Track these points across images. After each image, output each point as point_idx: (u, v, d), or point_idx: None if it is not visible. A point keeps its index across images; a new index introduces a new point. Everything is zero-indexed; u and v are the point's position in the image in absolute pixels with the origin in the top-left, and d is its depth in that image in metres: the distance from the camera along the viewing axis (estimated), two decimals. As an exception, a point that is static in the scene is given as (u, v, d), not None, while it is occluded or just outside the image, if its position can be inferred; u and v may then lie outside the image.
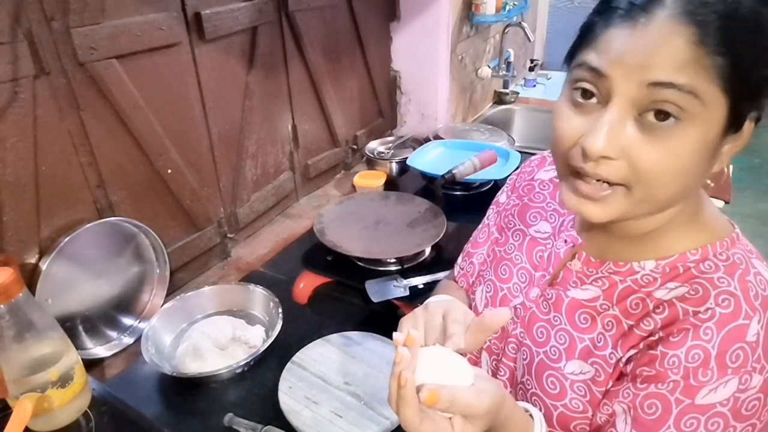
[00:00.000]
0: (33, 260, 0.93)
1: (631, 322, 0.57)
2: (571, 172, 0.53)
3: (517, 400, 0.60)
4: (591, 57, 0.48)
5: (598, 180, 0.50)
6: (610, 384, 0.58)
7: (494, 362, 0.74)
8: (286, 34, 1.42)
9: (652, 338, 0.55)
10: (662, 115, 0.46)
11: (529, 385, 0.66)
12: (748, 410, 0.50)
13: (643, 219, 0.56)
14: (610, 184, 0.50)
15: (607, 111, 0.48)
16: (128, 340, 1.10)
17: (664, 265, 0.57)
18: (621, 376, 0.57)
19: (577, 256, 0.64)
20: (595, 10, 0.51)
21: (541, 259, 0.70)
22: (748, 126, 0.50)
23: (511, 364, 0.70)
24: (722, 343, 0.50)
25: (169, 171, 1.14)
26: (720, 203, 3.24)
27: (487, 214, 0.85)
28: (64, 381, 0.77)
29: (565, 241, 0.67)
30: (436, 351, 0.52)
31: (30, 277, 0.92)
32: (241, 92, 1.32)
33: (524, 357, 0.67)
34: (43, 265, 0.92)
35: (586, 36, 0.50)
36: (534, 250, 0.71)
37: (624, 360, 0.57)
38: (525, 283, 0.70)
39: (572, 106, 0.51)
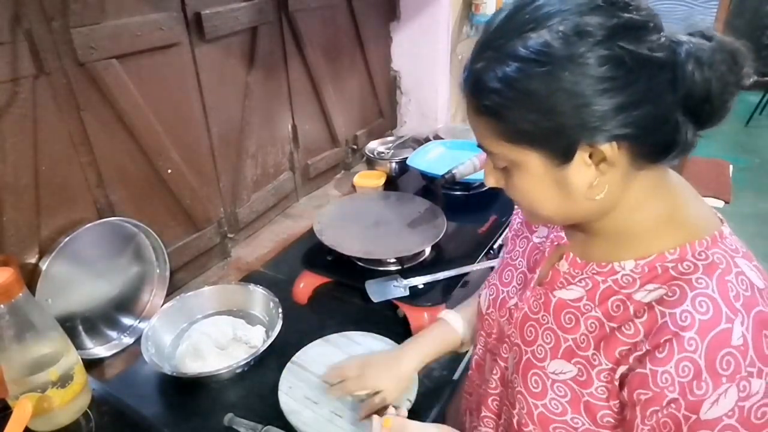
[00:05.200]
0: (33, 260, 0.93)
1: (613, 325, 0.58)
2: None
3: (505, 399, 0.72)
4: None
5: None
6: (596, 386, 0.58)
7: (491, 361, 0.76)
8: (286, 34, 1.42)
9: (639, 352, 0.54)
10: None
11: (515, 383, 0.67)
12: (759, 418, 0.48)
13: (606, 219, 0.58)
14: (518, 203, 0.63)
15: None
16: (128, 340, 1.10)
17: (643, 265, 0.57)
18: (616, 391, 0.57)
19: (564, 256, 0.65)
20: None
21: (536, 262, 0.71)
22: (609, 148, 0.51)
23: (503, 364, 0.73)
24: (708, 352, 0.49)
25: (169, 171, 1.14)
26: (720, 203, 3.24)
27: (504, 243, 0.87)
28: (64, 381, 0.77)
29: (552, 242, 0.69)
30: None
31: (30, 277, 0.92)
32: (241, 92, 1.32)
33: (515, 356, 0.69)
34: (44, 265, 0.92)
35: None
36: (532, 253, 0.73)
37: (617, 380, 0.56)
38: (521, 285, 0.72)
39: None
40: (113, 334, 1.09)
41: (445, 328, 0.92)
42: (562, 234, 0.68)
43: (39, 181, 0.91)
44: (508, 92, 0.51)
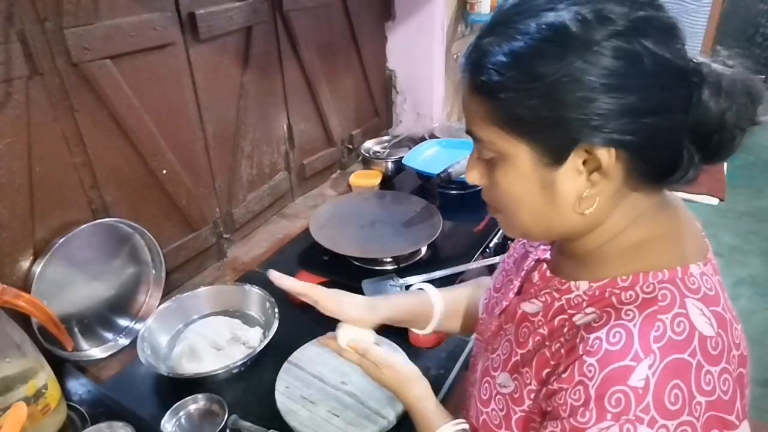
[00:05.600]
0: (27, 262, 0.92)
1: (548, 344, 0.56)
2: None
3: (474, 399, 0.69)
4: None
5: (489, 204, 0.59)
6: (527, 404, 0.57)
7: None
8: (280, 34, 1.42)
9: (556, 374, 0.52)
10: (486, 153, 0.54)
11: (476, 386, 0.67)
12: None
13: (582, 240, 0.56)
14: (496, 209, 0.58)
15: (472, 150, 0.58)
16: (124, 341, 1.09)
17: (595, 288, 0.54)
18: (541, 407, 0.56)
19: (538, 269, 0.63)
20: None
21: (521, 270, 0.70)
22: (606, 154, 0.47)
23: (477, 366, 0.72)
24: (602, 384, 0.47)
25: (164, 171, 1.14)
26: (714, 201, 3.25)
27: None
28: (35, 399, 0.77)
29: (540, 253, 0.68)
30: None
31: (24, 279, 0.92)
32: (236, 92, 1.32)
33: (485, 361, 0.68)
34: (38, 267, 0.92)
35: None
36: (522, 261, 0.72)
37: (542, 401, 0.55)
38: (507, 293, 0.71)
39: None
40: (109, 335, 1.09)
41: (421, 295, 0.88)
42: (549, 248, 0.66)
43: (33, 182, 0.91)
44: (511, 69, 0.48)
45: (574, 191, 0.51)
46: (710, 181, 3.62)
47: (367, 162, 1.74)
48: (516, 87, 0.48)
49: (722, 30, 3.76)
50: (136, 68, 1.04)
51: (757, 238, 3.04)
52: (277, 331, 1.02)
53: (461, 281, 1.15)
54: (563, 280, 0.58)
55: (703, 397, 0.46)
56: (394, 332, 1.05)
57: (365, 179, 1.62)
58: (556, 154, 0.49)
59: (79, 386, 0.94)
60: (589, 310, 0.53)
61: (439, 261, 1.20)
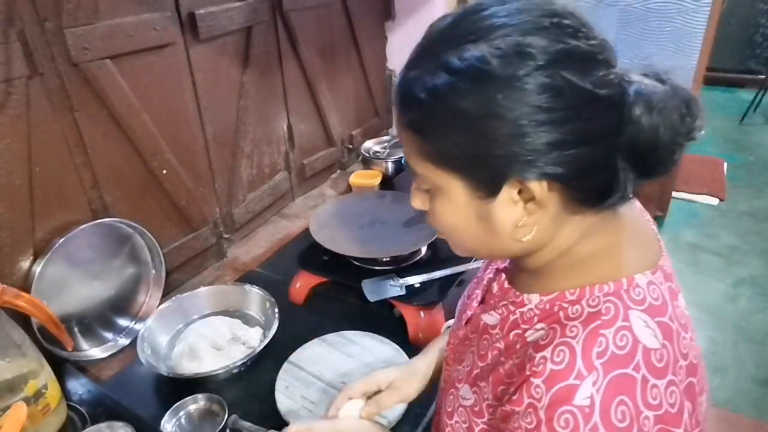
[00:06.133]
0: (27, 262, 0.92)
1: (503, 360, 0.55)
2: None
3: (441, 411, 0.68)
4: None
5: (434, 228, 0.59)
6: (487, 417, 0.56)
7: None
8: (280, 34, 1.42)
9: (509, 393, 0.52)
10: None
11: (443, 397, 0.66)
12: None
13: (529, 257, 0.55)
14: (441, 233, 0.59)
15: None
16: (124, 341, 1.09)
17: (545, 302, 0.54)
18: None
19: (497, 279, 0.62)
20: None
21: (485, 281, 0.69)
22: (538, 187, 0.47)
23: (447, 375, 0.71)
24: (550, 405, 0.46)
25: (164, 171, 1.14)
26: (714, 200, 3.25)
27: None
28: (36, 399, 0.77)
29: (501, 262, 0.67)
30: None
31: (24, 279, 0.92)
32: (236, 92, 1.32)
33: (453, 372, 0.67)
34: (38, 267, 0.92)
35: None
36: (489, 269, 0.71)
37: (495, 408, 0.55)
38: (472, 301, 0.70)
39: None
40: (109, 335, 1.09)
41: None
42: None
43: (33, 182, 0.91)
44: (435, 107, 0.47)
45: (510, 221, 0.50)
46: (710, 181, 3.64)
47: (367, 162, 1.74)
48: (440, 124, 0.48)
49: (722, 30, 3.77)
50: (136, 68, 1.04)
51: (757, 238, 3.04)
52: (277, 331, 1.02)
53: (461, 282, 1.15)
54: (518, 293, 0.58)
55: (651, 411, 0.45)
56: (394, 332, 1.05)
57: (365, 179, 1.62)
58: (488, 188, 0.49)
59: (79, 386, 0.94)
60: (539, 326, 0.53)
61: (439, 261, 1.20)
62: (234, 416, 0.88)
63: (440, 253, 1.24)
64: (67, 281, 0.99)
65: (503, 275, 0.62)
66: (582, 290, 0.51)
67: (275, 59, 1.43)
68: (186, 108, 1.18)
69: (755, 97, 4.52)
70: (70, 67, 0.92)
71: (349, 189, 1.67)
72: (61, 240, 0.94)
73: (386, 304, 1.11)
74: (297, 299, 1.19)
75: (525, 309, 0.56)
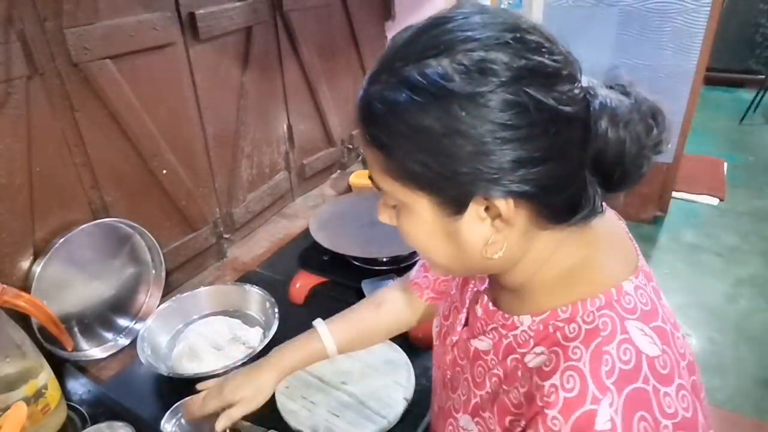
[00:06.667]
0: (27, 262, 0.92)
1: (506, 388, 0.54)
2: None
3: None
4: None
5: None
6: None
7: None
8: (281, 34, 1.42)
9: (521, 426, 0.50)
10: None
11: (440, 426, 0.65)
12: None
13: (509, 273, 0.55)
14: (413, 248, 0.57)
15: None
16: (124, 341, 1.09)
17: (538, 322, 0.52)
18: None
19: (479, 300, 0.61)
20: None
21: (463, 300, 0.68)
22: (505, 204, 0.46)
23: (440, 401, 0.70)
24: None
25: (164, 171, 1.14)
26: (714, 200, 3.25)
27: None
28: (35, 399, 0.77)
29: (478, 282, 0.66)
30: None
31: (24, 279, 0.92)
32: (236, 92, 1.32)
33: (447, 400, 0.65)
34: (38, 267, 0.92)
35: None
36: (464, 287, 0.69)
37: None
38: (454, 323, 0.68)
39: None
40: (109, 335, 1.09)
41: (312, 339, 0.88)
42: (485, 277, 0.63)
43: (33, 182, 0.91)
44: (397, 124, 0.46)
45: (479, 238, 0.50)
46: (710, 181, 3.64)
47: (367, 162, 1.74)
48: (403, 142, 0.46)
49: (722, 30, 3.77)
50: (136, 68, 1.04)
51: (757, 238, 3.04)
52: (277, 331, 1.02)
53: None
54: (507, 315, 0.56)
55: (668, 420, 0.44)
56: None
57: (365, 179, 1.61)
58: (454, 206, 0.48)
59: (79, 386, 0.94)
60: (538, 349, 0.52)
61: (439, 261, 1.20)
62: (234, 416, 0.88)
63: (440, 253, 1.24)
64: (67, 281, 0.99)
65: (485, 297, 0.60)
66: (574, 306, 0.50)
67: (275, 59, 1.43)
68: (186, 108, 1.18)
69: (755, 97, 4.52)
70: (70, 67, 0.92)
71: (349, 189, 1.67)
72: (61, 240, 0.94)
73: (386, 304, 1.10)
74: (297, 299, 1.19)
75: (518, 332, 0.54)
